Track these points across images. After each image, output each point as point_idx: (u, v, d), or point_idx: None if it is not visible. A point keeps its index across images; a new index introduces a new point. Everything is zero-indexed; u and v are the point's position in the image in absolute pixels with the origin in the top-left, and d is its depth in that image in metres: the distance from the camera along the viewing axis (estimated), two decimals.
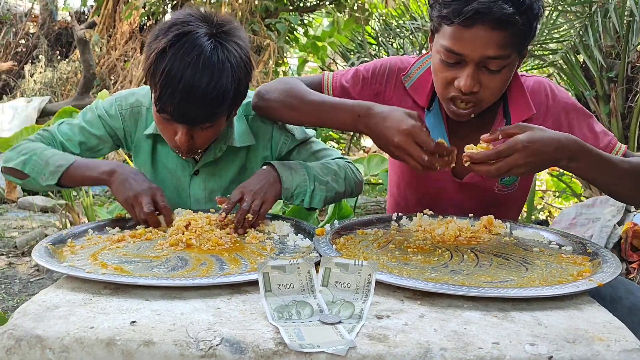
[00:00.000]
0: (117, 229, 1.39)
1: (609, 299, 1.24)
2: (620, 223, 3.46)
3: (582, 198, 4.10)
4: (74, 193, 4.07)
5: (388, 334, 0.86)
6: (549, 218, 4.64)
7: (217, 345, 0.83)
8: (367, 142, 5.76)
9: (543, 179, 5.75)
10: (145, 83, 1.54)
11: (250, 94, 1.62)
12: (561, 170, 4.52)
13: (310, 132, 1.68)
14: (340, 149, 5.77)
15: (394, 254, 1.22)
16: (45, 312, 0.92)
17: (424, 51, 4.62)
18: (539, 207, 4.88)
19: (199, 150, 1.50)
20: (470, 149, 1.26)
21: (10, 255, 3.48)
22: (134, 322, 0.88)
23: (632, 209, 3.57)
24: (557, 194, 5.01)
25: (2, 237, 3.77)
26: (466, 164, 1.25)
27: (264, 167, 1.49)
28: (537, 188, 5.23)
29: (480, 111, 1.44)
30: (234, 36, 1.41)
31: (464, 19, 1.29)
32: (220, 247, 1.24)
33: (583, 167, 1.29)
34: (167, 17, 6.36)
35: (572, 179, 4.55)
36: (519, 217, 1.87)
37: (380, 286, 1.02)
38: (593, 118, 1.53)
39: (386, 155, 1.72)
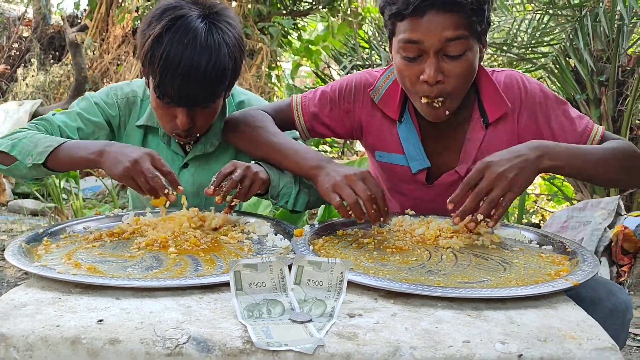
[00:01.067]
0: (94, 227, 1.38)
1: (589, 301, 1.22)
2: (611, 226, 3.46)
3: (573, 202, 4.09)
4: (64, 196, 4.06)
5: (358, 332, 0.85)
6: (541, 221, 4.63)
7: (183, 343, 0.82)
8: (360, 146, 5.76)
9: (536, 183, 5.76)
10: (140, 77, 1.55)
11: (242, 92, 1.68)
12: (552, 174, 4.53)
13: (295, 134, 1.68)
14: (334, 153, 5.77)
15: (372, 255, 1.21)
16: (12, 310, 0.91)
17: None
18: (531, 210, 4.88)
19: (197, 135, 1.52)
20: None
21: None
22: (100, 320, 0.87)
23: (623, 212, 3.57)
24: (550, 197, 5.01)
25: None
26: (459, 223, 1.28)
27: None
28: (530, 192, 5.23)
29: (455, 106, 1.43)
30: (226, 16, 1.45)
31: (414, 9, 1.31)
32: (197, 248, 1.23)
33: (566, 161, 1.29)
34: None
35: (564, 182, 4.55)
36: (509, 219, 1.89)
37: (354, 285, 1.01)
38: (568, 104, 1.53)
39: (370, 162, 1.75)
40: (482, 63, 1.46)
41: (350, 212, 1.28)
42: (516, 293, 0.97)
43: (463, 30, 1.33)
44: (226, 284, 0.98)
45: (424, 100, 1.40)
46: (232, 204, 1.38)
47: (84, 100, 1.63)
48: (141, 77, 1.61)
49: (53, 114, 1.59)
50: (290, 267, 0.97)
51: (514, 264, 1.16)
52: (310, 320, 0.88)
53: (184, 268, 1.11)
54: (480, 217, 1.24)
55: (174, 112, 1.44)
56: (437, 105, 1.39)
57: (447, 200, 1.26)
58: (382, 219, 1.29)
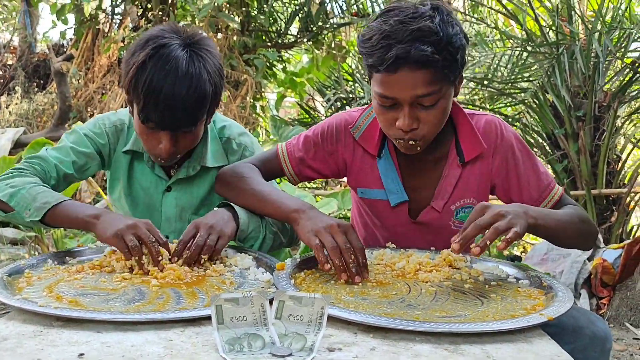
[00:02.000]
0: (77, 259, 1.38)
1: (570, 329, 1.28)
2: (590, 259, 3.51)
3: None
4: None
5: None
6: (522, 254, 4.68)
7: None
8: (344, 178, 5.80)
9: None
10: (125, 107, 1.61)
11: (223, 119, 1.75)
12: None
13: (274, 184, 1.74)
14: (317, 183, 5.80)
15: (353, 289, 1.22)
16: None
17: None
18: (513, 245, 4.93)
19: (178, 156, 1.56)
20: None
21: None
22: (82, 354, 0.87)
23: (602, 245, 3.63)
24: None
25: None
26: (458, 251, 1.25)
27: (219, 207, 1.51)
28: None
29: (425, 146, 1.48)
30: (206, 45, 1.52)
31: (387, 66, 1.34)
32: (180, 281, 1.24)
33: (546, 223, 1.35)
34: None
35: None
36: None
37: (335, 320, 1.02)
38: (537, 159, 1.62)
39: (353, 200, 1.81)
40: (463, 97, 1.55)
41: (327, 260, 1.27)
42: (492, 328, 0.99)
43: (435, 85, 1.37)
44: (208, 318, 0.99)
45: (395, 141, 1.47)
46: (201, 261, 1.36)
47: (74, 134, 1.67)
48: (126, 107, 1.66)
49: (46, 150, 1.63)
50: (271, 302, 0.98)
51: (491, 298, 1.19)
52: (291, 355, 0.89)
53: (166, 301, 1.12)
54: (485, 242, 1.24)
55: (158, 136, 1.49)
56: (411, 144, 1.45)
57: (452, 240, 1.26)
58: (360, 274, 1.26)
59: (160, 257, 1.30)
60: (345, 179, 1.79)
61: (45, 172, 1.57)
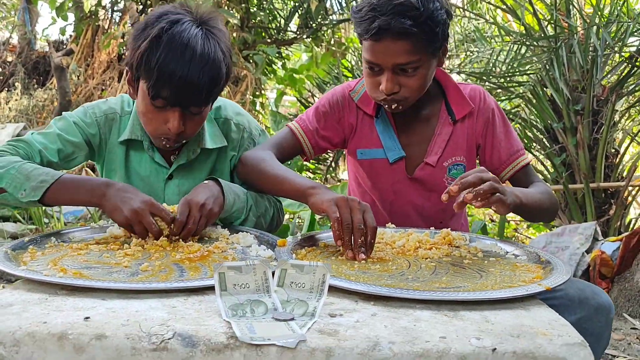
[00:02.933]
0: (80, 237, 1.40)
1: (577, 300, 1.34)
2: (588, 251, 3.53)
3: (552, 228, 4.17)
4: (45, 220, 4.04)
5: (339, 329, 0.88)
6: (523, 242, 4.70)
7: (169, 339, 0.84)
8: (342, 174, 5.82)
9: None
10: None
11: (218, 102, 1.73)
12: None
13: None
14: (317, 179, 5.81)
15: (353, 264, 1.23)
16: None
17: None
18: (512, 237, 4.94)
19: (184, 141, 1.57)
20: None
21: None
22: (87, 318, 0.89)
23: (600, 237, 3.65)
24: (529, 224, 5.08)
25: None
26: (456, 192, 1.31)
27: (208, 181, 1.52)
28: (510, 219, 5.30)
29: (408, 106, 1.63)
30: (218, 24, 1.52)
31: (372, 35, 1.50)
32: (189, 256, 1.25)
33: (530, 202, 1.49)
34: None
35: None
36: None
37: (336, 290, 1.04)
38: (512, 127, 1.80)
39: (350, 170, 1.93)
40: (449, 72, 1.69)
41: (340, 236, 1.28)
42: (491, 296, 1.01)
43: (414, 55, 1.52)
44: (210, 289, 1.01)
45: (381, 103, 1.64)
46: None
47: (62, 120, 1.62)
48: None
49: (32, 134, 1.57)
50: (273, 274, 1.00)
51: (490, 272, 1.20)
52: (293, 319, 0.90)
53: (169, 274, 1.13)
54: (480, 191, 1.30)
55: (166, 116, 1.47)
56: (392, 106, 1.61)
57: (444, 192, 1.33)
58: (365, 251, 1.27)
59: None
60: (342, 173, 1.92)
61: (29, 156, 1.50)
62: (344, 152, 3.95)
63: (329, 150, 1.88)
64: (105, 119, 1.65)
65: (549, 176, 4.33)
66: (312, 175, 5.99)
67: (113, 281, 1.05)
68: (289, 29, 6.32)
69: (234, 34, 5.69)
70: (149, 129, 1.54)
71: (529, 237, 4.77)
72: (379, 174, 1.76)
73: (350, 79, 5.67)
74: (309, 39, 6.15)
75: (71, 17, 6.47)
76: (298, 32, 6.20)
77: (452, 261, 1.28)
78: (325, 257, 1.29)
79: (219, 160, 1.71)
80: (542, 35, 4.11)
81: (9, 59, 8.02)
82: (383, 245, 1.40)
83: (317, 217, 3.13)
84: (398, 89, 1.56)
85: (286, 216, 3.69)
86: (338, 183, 4.84)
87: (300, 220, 3.77)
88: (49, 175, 1.39)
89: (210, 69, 1.43)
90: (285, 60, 6.86)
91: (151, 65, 1.40)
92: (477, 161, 1.80)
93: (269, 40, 6.19)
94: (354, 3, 6.05)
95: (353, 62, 6.09)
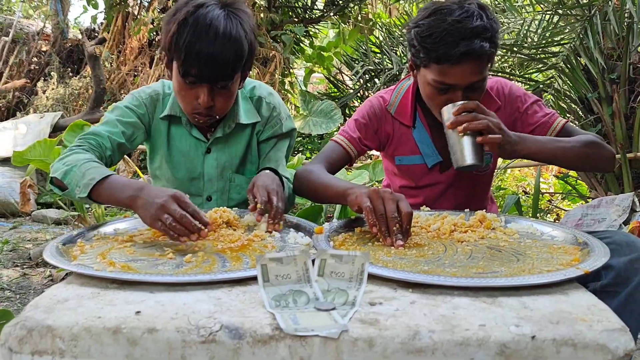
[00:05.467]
0: (124, 228, 1.45)
1: (625, 244, 1.34)
2: (626, 223, 3.48)
3: (588, 199, 4.11)
4: (86, 205, 4.16)
5: (379, 318, 0.90)
6: (556, 220, 4.65)
7: (217, 331, 0.88)
8: (373, 151, 5.82)
9: (550, 182, 5.76)
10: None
11: (251, 80, 1.90)
12: (566, 172, 4.54)
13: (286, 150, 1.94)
14: None
15: (390, 250, 1.26)
16: (55, 304, 0.97)
17: None
18: (546, 209, 4.89)
19: (217, 117, 1.68)
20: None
21: (24, 266, 3.55)
22: (138, 312, 0.93)
23: (638, 208, 3.59)
24: (564, 195, 5.01)
25: (17, 249, 3.85)
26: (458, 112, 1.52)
27: (268, 171, 1.69)
28: (544, 191, 5.24)
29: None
30: (241, 6, 1.64)
31: (453, 59, 1.56)
32: (230, 246, 1.30)
33: (540, 145, 1.58)
34: None
35: (578, 180, 4.56)
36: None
37: (374, 277, 1.06)
38: (541, 100, 1.86)
39: (387, 167, 2.08)
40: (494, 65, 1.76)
41: (375, 223, 1.31)
42: (529, 281, 1.02)
43: (485, 72, 1.62)
44: (252, 279, 1.04)
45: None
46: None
47: (116, 109, 1.79)
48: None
49: (95, 126, 1.74)
50: (313, 262, 1.02)
51: (527, 255, 1.21)
52: (334, 308, 0.93)
53: (212, 265, 1.17)
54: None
55: (197, 92, 1.60)
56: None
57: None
58: (401, 238, 1.29)
59: (194, 225, 1.28)
60: (375, 152, 2.02)
61: (100, 145, 1.67)
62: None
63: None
64: (151, 100, 1.82)
65: None
66: None
67: (160, 274, 1.10)
68: (315, 7, 6.27)
69: (262, 15, 5.68)
70: (184, 106, 1.68)
71: (564, 210, 4.71)
72: (417, 176, 1.90)
73: (378, 54, 5.63)
74: (336, 16, 6.10)
75: (101, 4, 6.55)
76: (325, 10, 6.16)
77: (489, 244, 1.29)
78: (363, 244, 1.32)
79: (253, 136, 1.86)
80: (576, 3, 4.00)
81: (44, 48, 8.17)
82: (418, 229, 1.42)
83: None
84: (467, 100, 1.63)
85: None
86: (370, 161, 4.84)
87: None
88: (98, 173, 1.44)
89: (232, 45, 1.55)
90: (313, 38, 6.83)
91: (180, 46, 1.54)
92: None
93: (296, 20, 6.17)
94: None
95: (381, 38, 6.03)
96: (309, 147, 6.29)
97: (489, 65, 1.64)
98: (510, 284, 1.01)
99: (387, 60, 5.21)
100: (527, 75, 4.54)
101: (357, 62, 5.70)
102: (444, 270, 1.11)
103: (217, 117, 1.68)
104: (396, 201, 1.31)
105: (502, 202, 4.74)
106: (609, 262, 1.16)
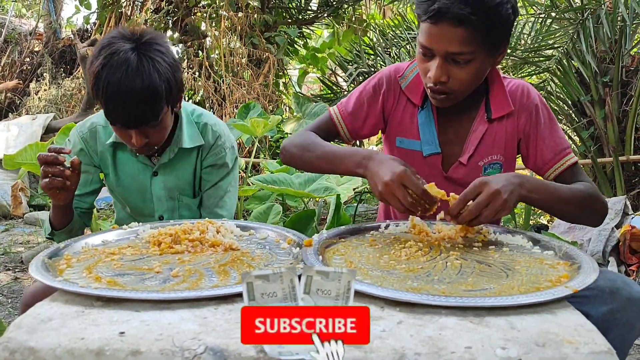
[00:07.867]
0: (113, 240, 1.44)
1: (608, 291, 1.30)
2: (618, 226, 3.49)
3: None
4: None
5: None
6: (549, 222, 4.66)
7: (201, 353, 0.87)
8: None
9: None
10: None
11: (200, 109, 1.92)
12: None
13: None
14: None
15: (379, 263, 1.25)
16: (38, 324, 0.96)
17: None
18: (539, 211, 4.90)
19: (156, 147, 1.74)
20: (453, 198, 1.39)
21: (16, 270, 3.54)
22: (122, 332, 0.92)
23: (630, 211, 3.60)
24: None
25: (8, 253, 3.83)
26: (451, 222, 1.41)
27: None
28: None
29: (455, 101, 1.58)
30: (155, 44, 1.64)
31: (430, 17, 1.44)
32: (217, 259, 1.29)
33: (540, 196, 1.43)
34: (169, 32, 6.45)
35: None
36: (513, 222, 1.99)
37: (362, 295, 1.06)
38: (558, 125, 1.69)
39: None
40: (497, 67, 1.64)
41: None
42: (518, 301, 1.01)
43: (469, 46, 1.46)
44: (240, 295, 1.03)
45: (428, 90, 1.58)
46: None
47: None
48: None
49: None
50: (299, 278, 1.02)
51: (517, 270, 1.20)
52: None
53: (199, 279, 1.16)
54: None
55: (128, 133, 1.65)
56: (438, 97, 1.56)
57: (446, 211, 1.37)
58: (427, 209, 1.39)
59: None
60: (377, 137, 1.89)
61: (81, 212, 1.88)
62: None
63: (368, 135, 1.85)
64: (90, 134, 1.87)
65: (577, 150, 4.27)
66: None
67: (146, 290, 1.09)
68: (309, 8, 6.26)
69: (255, 16, 5.66)
70: (126, 143, 1.75)
71: None
72: (413, 166, 1.68)
73: (372, 56, 5.62)
74: (330, 17, 6.09)
75: (94, 4, 6.52)
76: (319, 11, 6.15)
77: (478, 259, 1.29)
78: (355, 247, 1.32)
79: (199, 158, 1.89)
80: (569, 6, 4.00)
81: (37, 48, 8.12)
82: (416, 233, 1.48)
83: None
84: (446, 79, 1.51)
85: (311, 200, 3.71)
86: None
87: (326, 204, 3.79)
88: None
89: (147, 86, 1.57)
90: (307, 39, 6.82)
91: (99, 96, 1.60)
92: (520, 158, 1.76)
93: (289, 20, 6.15)
94: None
95: (374, 39, 6.03)
96: None
97: (490, 49, 1.51)
98: (497, 304, 1.00)
99: (381, 62, 5.20)
100: (519, 78, 4.54)
101: (350, 63, 5.69)
102: (432, 287, 1.11)
103: (156, 147, 1.74)
104: (403, 185, 1.35)
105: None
106: (587, 310, 1.12)
